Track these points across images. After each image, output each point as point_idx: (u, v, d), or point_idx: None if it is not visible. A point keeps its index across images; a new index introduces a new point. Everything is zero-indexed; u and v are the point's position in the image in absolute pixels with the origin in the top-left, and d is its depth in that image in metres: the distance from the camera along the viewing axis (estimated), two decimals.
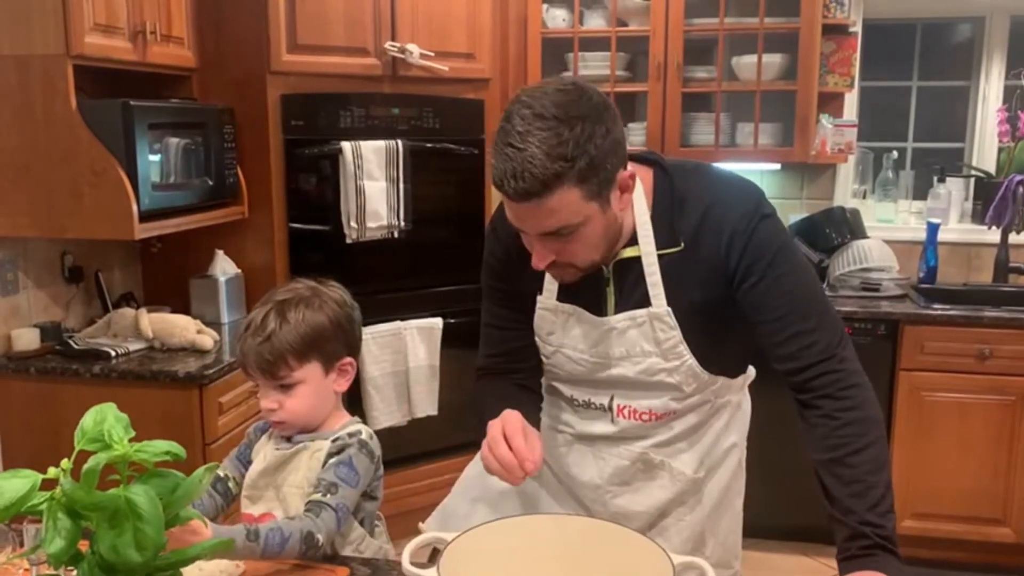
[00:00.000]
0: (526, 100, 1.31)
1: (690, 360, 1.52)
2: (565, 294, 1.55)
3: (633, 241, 1.48)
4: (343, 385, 1.61)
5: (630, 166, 1.41)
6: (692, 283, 1.47)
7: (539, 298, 1.57)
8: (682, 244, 1.46)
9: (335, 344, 1.57)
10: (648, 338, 1.51)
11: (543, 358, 1.64)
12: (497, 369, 1.66)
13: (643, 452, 1.60)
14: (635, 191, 1.44)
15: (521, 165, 1.28)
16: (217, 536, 1.34)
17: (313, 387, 1.55)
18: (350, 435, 1.57)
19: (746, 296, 1.45)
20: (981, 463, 3.24)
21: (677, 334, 1.49)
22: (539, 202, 1.31)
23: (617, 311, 1.52)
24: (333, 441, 1.55)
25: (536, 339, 1.61)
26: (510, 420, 1.45)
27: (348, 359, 1.61)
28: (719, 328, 1.52)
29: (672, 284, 1.48)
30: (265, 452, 1.60)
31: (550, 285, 1.55)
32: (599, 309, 1.53)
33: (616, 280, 1.51)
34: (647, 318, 1.49)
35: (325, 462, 1.53)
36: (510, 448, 1.41)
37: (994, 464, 3.23)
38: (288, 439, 1.59)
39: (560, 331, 1.57)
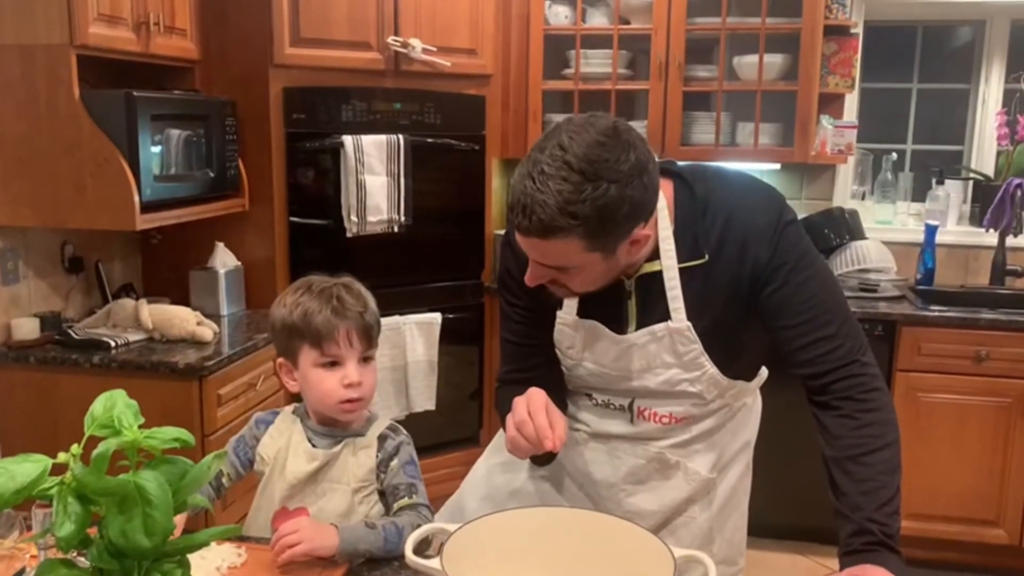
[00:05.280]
0: (565, 140, 1.29)
1: (712, 370, 1.52)
2: (585, 309, 1.54)
3: (656, 255, 1.47)
4: None
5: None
6: (715, 295, 1.47)
7: (559, 313, 1.56)
8: (707, 256, 1.45)
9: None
10: (669, 351, 1.51)
11: (564, 370, 1.63)
12: (518, 380, 1.64)
13: (660, 452, 1.60)
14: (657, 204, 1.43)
15: (531, 206, 1.29)
16: (346, 533, 1.42)
17: (376, 364, 1.62)
18: (392, 430, 1.60)
19: (768, 301, 1.44)
20: (976, 465, 3.25)
21: (698, 347, 1.49)
22: (540, 241, 1.33)
23: (639, 325, 1.51)
24: (381, 440, 1.58)
25: (557, 351, 1.61)
26: (534, 398, 1.43)
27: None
28: (739, 337, 1.52)
29: (695, 297, 1.47)
30: (306, 453, 1.58)
31: (570, 300, 1.54)
32: (620, 323, 1.52)
33: (638, 294, 1.50)
34: (667, 332, 1.49)
35: (384, 464, 1.56)
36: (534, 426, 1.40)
37: (989, 466, 3.25)
38: (329, 435, 1.59)
39: (580, 345, 1.57)
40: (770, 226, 1.44)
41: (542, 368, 1.62)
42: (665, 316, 1.48)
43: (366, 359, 1.58)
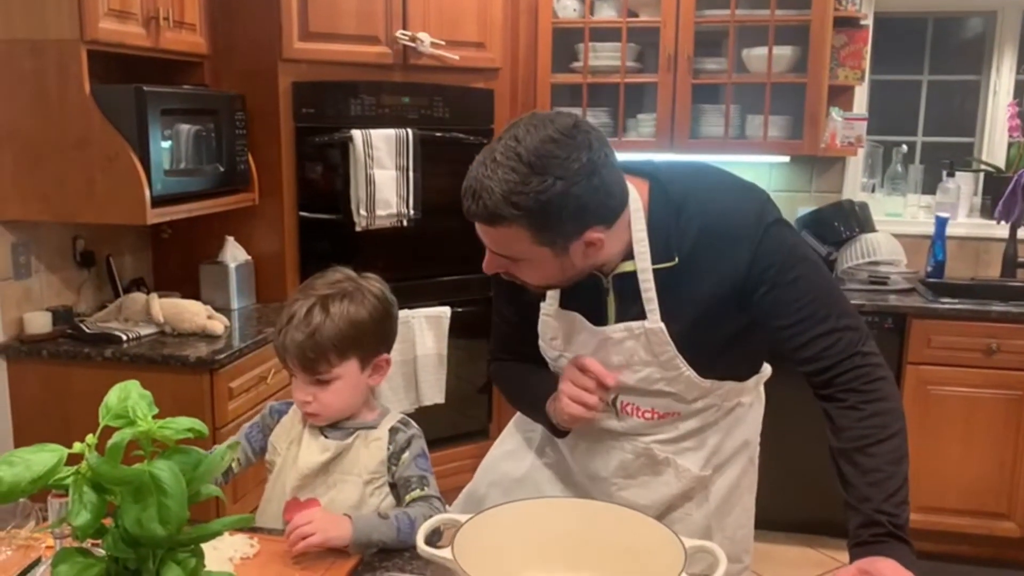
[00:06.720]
0: (521, 132, 1.32)
1: (688, 372, 1.52)
2: (567, 301, 1.55)
3: (631, 255, 1.47)
4: (377, 380, 1.62)
5: (627, 179, 1.42)
6: (691, 297, 1.46)
7: (542, 304, 1.58)
8: (676, 259, 1.45)
9: (374, 341, 1.58)
10: (645, 349, 1.51)
11: (549, 362, 1.65)
12: (509, 359, 1.71)
13: (647, 447, 1.60)
14: (632, 205, 1.44)
15: (479, 191, 1.32)
16: (360, 523, 1.43)
17: (349, 382, 1.56)
18: (404, 424, 1.61)
19: (759, 305, 1.44)
20: (987, 457, 3.25)
21: (672, 349, 1.50)
22: (487, 227, 1.36)
23: (617, 321, 1.52)
24: (392, 433, 1.58)
25: (540, 343, 1.63)
26: (571, 363, 1.49)
27: (384, 356, 1.62)
28: (721, 340, 1.51)
29: (670, 298, 1.47)
30: (318, 444, 1.59)
31: (553, 292, 1.55)
32: (599, 318, 1.53)
33: (616, 291, 1.51)
34: (643, 331, 1.50)
35: (396, 457, 1.57)
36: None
37: (999, 459, 3.24)
38: (340, 427, 1.60)
39: (562, 337, 1.58)
40: (750, 230, 1.43)
41: (528, 349, 1.65)
42: (642, 315, 1.49)
43: (321, 381, 1.55)
